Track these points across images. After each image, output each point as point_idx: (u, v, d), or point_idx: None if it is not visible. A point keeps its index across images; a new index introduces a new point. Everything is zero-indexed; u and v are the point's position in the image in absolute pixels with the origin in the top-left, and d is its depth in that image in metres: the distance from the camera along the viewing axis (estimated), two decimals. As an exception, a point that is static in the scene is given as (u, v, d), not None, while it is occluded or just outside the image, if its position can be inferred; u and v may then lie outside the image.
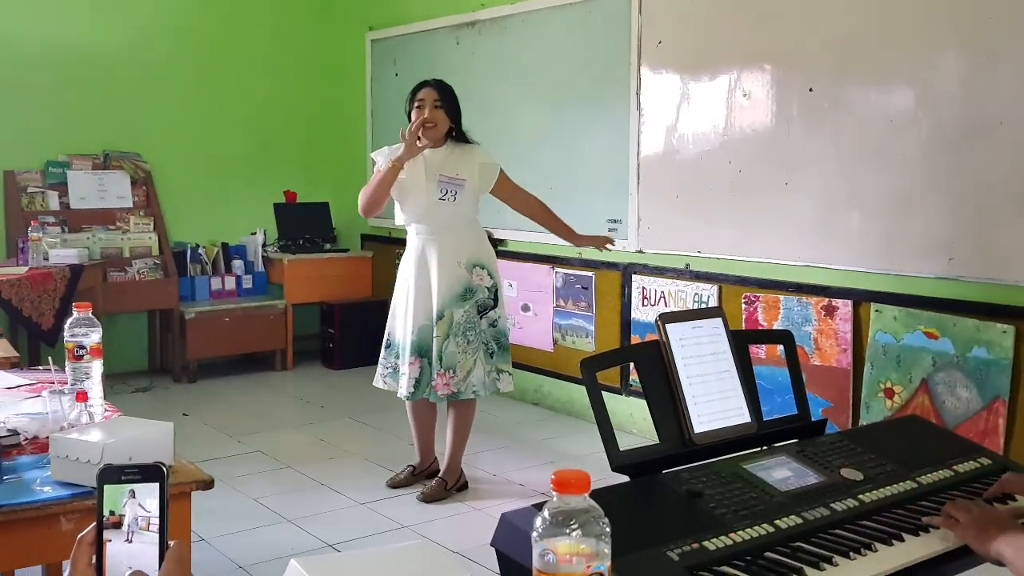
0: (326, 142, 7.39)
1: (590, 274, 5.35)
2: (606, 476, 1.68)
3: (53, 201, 6.15)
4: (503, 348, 4.19)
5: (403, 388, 4.11)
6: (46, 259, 5.35)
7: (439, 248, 4.07)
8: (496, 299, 4.16)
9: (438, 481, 4.22)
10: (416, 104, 4.06)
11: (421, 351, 4.08)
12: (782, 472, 1.84)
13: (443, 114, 4.04)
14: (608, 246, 4.44)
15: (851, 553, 1.60)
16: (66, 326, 2.17)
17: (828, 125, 4.17)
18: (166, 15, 6.66)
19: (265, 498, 4.21)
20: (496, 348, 4.16)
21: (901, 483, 1.88)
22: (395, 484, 4.32)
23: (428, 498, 4.16)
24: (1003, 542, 1.62)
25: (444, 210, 4.05)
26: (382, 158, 4.13)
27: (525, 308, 5.75)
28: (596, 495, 1.04)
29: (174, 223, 6.69)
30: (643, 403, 1.98)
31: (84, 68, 6.34)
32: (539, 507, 1.06)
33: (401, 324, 4.16)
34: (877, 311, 4.02)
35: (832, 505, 1.76)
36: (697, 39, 4.70)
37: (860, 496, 1.81)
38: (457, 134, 4.14)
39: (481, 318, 4.10)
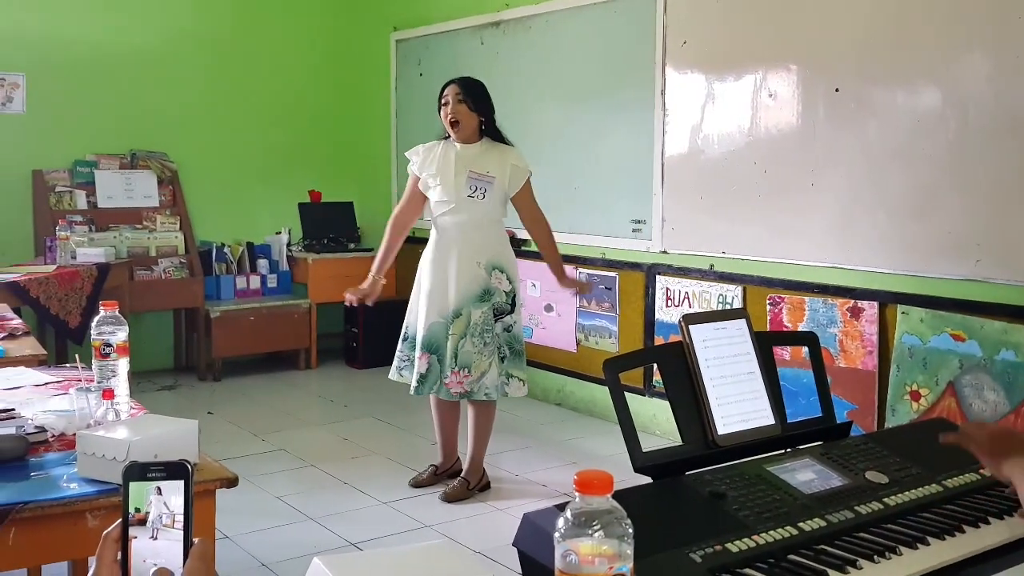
0: (351, 142, 7.42)
1: (614, 274, 5.34)
2: (628, 477, 1.67)
3: (81, 200, 6.21)
4: (516, 353, 4.15)
5: (411, 381, 4.14)
6: (74, 258, 5.40)
7: (460, 246, 4.08)
8: (513, 304, 4.13)
9: (460, 481, 4.23)
10: (442, 102, 4.08)
11: (431, 347, 4.09)
12: (806, 474, 1.83)
13: (466, 108, 4.04)
14: (587, 294, 4.44)
15: (875, 556, 1.59)
16: (93, 324, 2.19)
17: (854, 125, 4.14)
18: (192, 17, 6.71)
19: (288, 496, 4.23)
20: (508, 353, 4.13)
21: (927, 486, 1.87)
22: (418, 483, 4.33)
23: (450, 498, 4.16)
24: (1014, 464, 1.63)
25: (471, 207, 4.05)
26: (417, 158, 4.18)
27: (548, 308, 5.75)
28: (619, 496, 1.04)
29: (200, 222, 6.74)
30: (666, 404, 1.97)
31: (112, 69, 6.40)
32: (561, 508, 1.06)
33: (414, 318, 4.18)
34: (903, 313, 3.99)
35: (856, 508, 1.75)
36: (722, 39, 4.68)
37: (885, 499, 1.79)
38: (489, 130, 4.12)
39: (496, 322, 4.09)
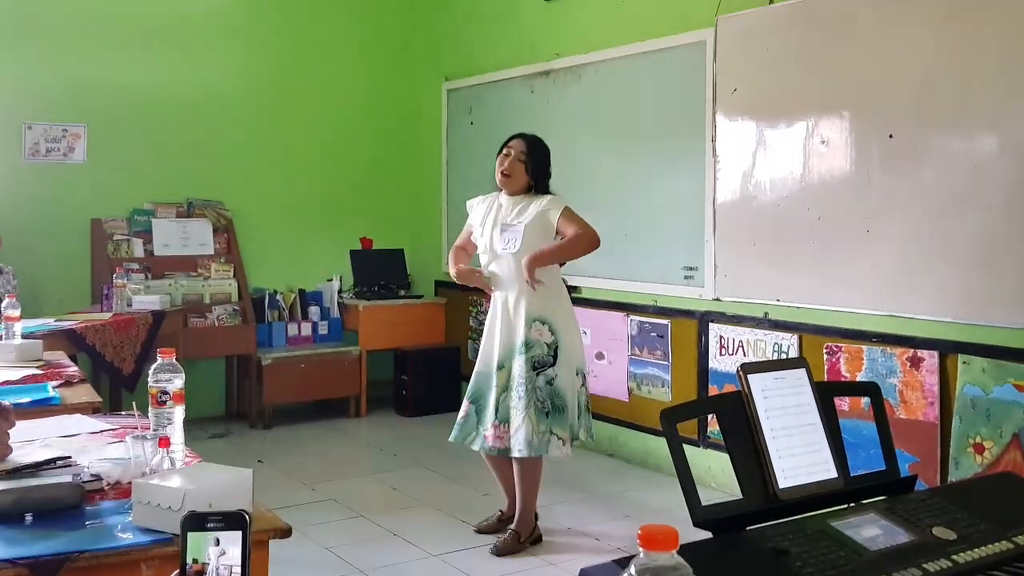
0: (402, 189, 7.48)
1: (666, 322, 5.29)
2: (686, 531, 1.63)
3: (138, 248, 6.31)
4: (559, 409, 3.99)
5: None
6: (129, 305, 5.47)
7: (504, 297, 4.09)
8: (556, 357, 4.01)
9: (511, 534, 4.16)
10: (503, 151, 4.10)
11: (472, 396, 4.12)
12: (871, 530, 1.78)
13: (522, 169, 4.06)
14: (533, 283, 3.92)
15: (947, 617, 1.53)
16: (150, 371, 2.20)
17: (909, 172, 4.09)
18: (247, 68, 6.85)
19: (338, 547, 4.21)
20: (551, 408, 3.98)
21: (996, 543, 1.80)
22: (482, 530, 4.29)
23: (501, 551, 4.10)
24: None
25: (508, 258, 4.04)
26: (472, 208, 4.24)
27: (599, 356, 5.71)
28: (682, 552, 1.00)
29: (253, 269, 6.82)
30: (722, 455, 1.93)
31: (170, 119, 6.54)
32: (621, 563, 1.03)
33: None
34: (965, 363, 3.90)
35: (924, 565, 1.68)
36: (772, 86, 4.66)
37: (954, 556, 1.73)
38: (537, 189, 4.12)
39: (537, 375, 3.99)
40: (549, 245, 3.99)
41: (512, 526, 4.19)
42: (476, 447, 4.13)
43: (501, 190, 4.16)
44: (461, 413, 4.15)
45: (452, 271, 4.27)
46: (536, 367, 3.99)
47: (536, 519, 4.26)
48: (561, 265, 4.19)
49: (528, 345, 4.00)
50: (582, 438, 4.13)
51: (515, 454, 4.00)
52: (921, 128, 4.05)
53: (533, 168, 4.08)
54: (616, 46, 5.58)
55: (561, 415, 4.00)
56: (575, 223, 3.99)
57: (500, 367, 4.05)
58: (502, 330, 4.07)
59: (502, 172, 4.07)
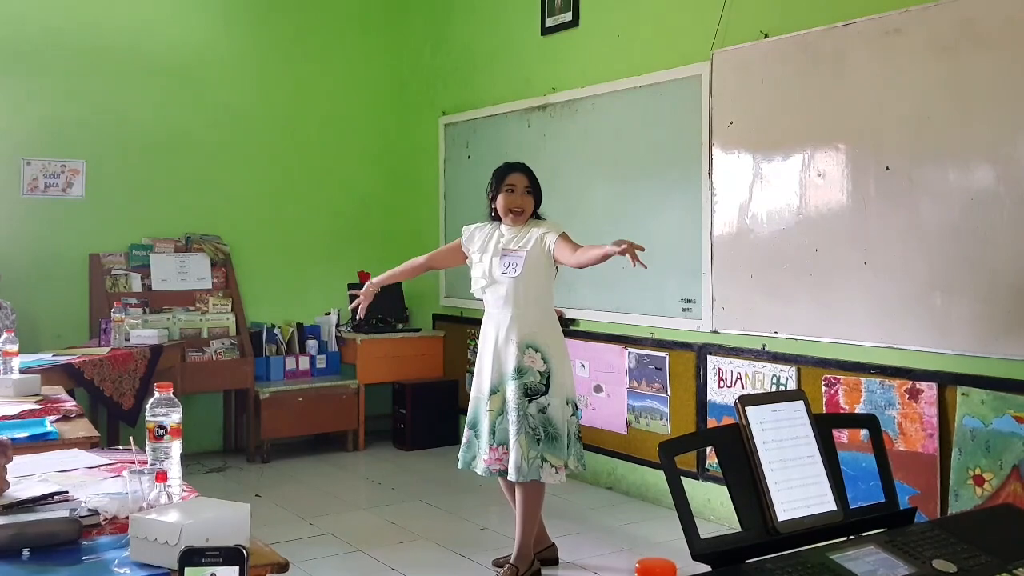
0: (400, 223, 7.50)
1: (663, 354, 5.29)
2: (685, 564, 1.62)
3: (136, 283, 6.32)
4: (551, 438, 4.01)
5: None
6: (127, 340, 5.47)
7: (498, 322, 4.12)
8: (548, 385, 4.04)
9: (509, 568, 4.14)
10: (506, 188, 4.14)
11: (471, 422, 4.19)
12: (870, 563, 1.77)
13: (531, 200, 4.15)
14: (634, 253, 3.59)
15: (948, 651, 1.52)
16: (147, 406, 2.20)
17: (906, 204, 4.10)
18: (246, 102, 6.90)
19: (336, 581, 4.18)
20: (544, 436, 4.00)
21: (997, 575, 1.79)
22: (499, 563, 4.26)
23: (500, 585, 4.09)
24: None
25: (505, 284, 4.09)
26: (469, 234, 4.32)
27: (597, 389, 5.70)
28: (681, 586, 1.00)
29: (251, 303, 6.82)
30: (720, 488, 1.92)
31: (169, 155, 6.58)
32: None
33: None
34: (964, 394, 3.90)
35: (925, 599, 1.68)
36: (768, 119, 4.69)
37: (955, 589, 1.72)
38: (535, 215, 4.21)
39: (530, 402, 4.01)
40: (590, 254, 3.84)
41: (511, 560, 4.17)
42: (479, 472, 4.15)
43: (498, 220, 4.19)
44: (463, 440, 4.23)
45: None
46: (529, 394, 4.01)
47: (552, 548, 4.34)
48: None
49: (521, 371, 4.03)
50: (572, 467, 4.12)
51: (510, 478, 4.05)
52: (917, 160, 4.07)
53: (536, 197, 4.18)
54: (612, 80, 5.63)
55: (555, 443, 4.02)
56: (570, 246, 3.98)
57: (493, 392, 4.09)
58: (494, 356, 4.11)
59: (513, 210, 4.11)
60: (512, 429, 3.99)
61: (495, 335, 4.11)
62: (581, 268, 4.01)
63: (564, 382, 4.10)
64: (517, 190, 4.13)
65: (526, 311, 4.08)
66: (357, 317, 4.64)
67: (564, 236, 4.04)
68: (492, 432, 4.05)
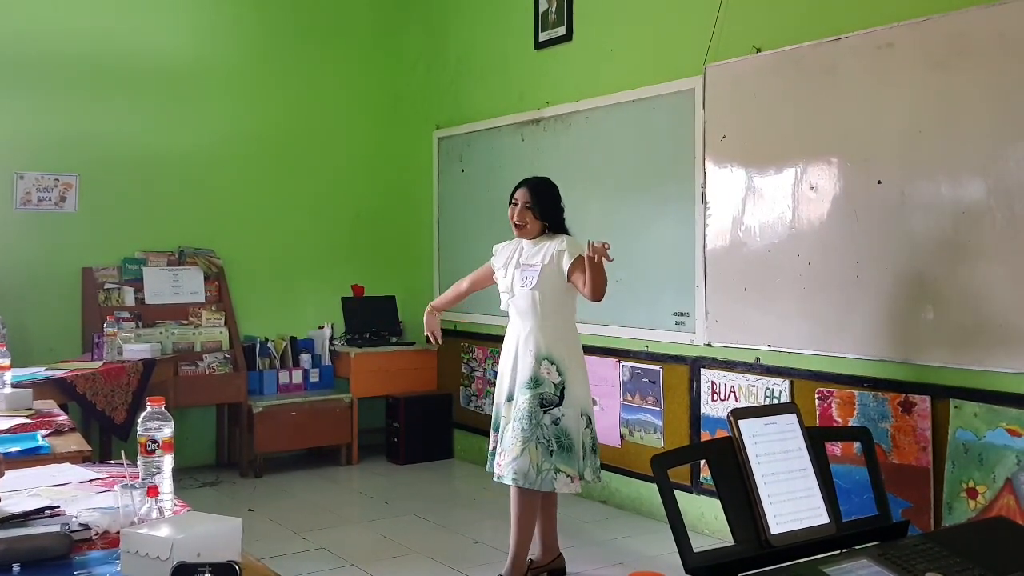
0: (394, 237, 7.51)
1: (657, 368, 5.29)
2: (680, 578, 1.62)
3: (129, 297, 6.31)
4: (564, 448, 4.04)
5: None
6: (120, 354, 5.45)
7: (518, 334, 4.19)
8: (562, 397, 4.08)
9: (502, 580, 4.14)
10: (512, 203, 4.25)
11: (495, 427, 4.26)
12: (864, 576, 1.77)
13: (532, 215, 4.18)
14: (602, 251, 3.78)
15: (942, 664, 1.52)
16: (139, 420, 2.19)
17: (898, 217, 4.12)
18: (239, 118, 6.90)
19: (329, 596, 4.16)
20: (556, 447, 4.03)
21: (991, 589, 1.79)
22: None
23: (494, 598, 4.08)
24: None
25: (524, 297, 4.15)
26: (497, 252, 4.40)
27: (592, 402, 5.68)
28: (674, 600, 1.00)
29: (244, 317, 6.81)
30: (715, 501, 1.92)
31: (161, 169, 6.58)
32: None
33: None
34: (956, 407, 3.90)
35: (919, 612, 1.68)
36: (761, 133, 4.71)
37: (948, 603, 1.72)
38: (554, 227, 4.23)
39: (544, 413, 4.06)
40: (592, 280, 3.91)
41: (504, 573, 4.15)
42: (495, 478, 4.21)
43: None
44: (490, 445, 4.31)
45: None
46: (544, 405, 4.06)
47: (560, 558, 4.35)
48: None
49: (536, 381, 4.07)
50: (588, 479, 4.15)
51: (508, 482, 4.06)
52: (909, 174, 4.08)
53: (541, 211, 4.20)
54: (605, 94, 5.65)
55: (568, 453, 4.05)
56: (582, 277, 3.96)
57: (509, 399, 4.17)
58: (513, 364, 4.18)
59: (515, 224, 4.21)
60: (520, 436, 4.02)
61: (515, 346, 4.19)
62: (597, 294, 3.93)
63: (578, 394, 4.14)
64: (519, 205, 4.20)
65: (544, 323, 4.12)
66: (439, 342, 4.67)
67: (580, 260, 3.98)
68: (502, 439, 4.14)
